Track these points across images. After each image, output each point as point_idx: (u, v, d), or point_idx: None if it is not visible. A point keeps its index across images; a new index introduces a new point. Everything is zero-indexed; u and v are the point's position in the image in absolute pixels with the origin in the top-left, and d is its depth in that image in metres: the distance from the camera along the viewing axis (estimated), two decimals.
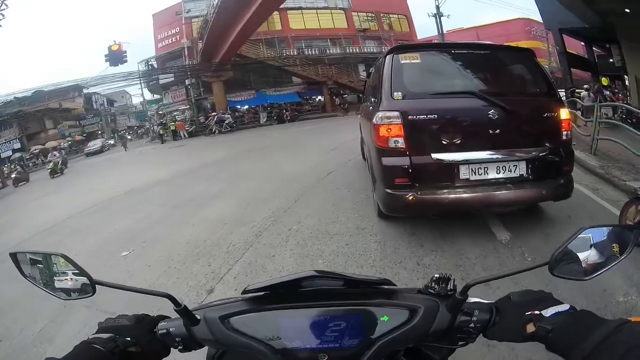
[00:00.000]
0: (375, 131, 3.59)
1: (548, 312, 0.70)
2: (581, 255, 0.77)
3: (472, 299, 0.81)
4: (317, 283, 0.86)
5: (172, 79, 34.50)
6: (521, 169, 3.49)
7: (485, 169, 3.46)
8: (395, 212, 3.88)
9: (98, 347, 0.75)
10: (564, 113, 3.63)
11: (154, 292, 0.82)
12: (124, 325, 0.84)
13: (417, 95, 3.60)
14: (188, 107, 34.18)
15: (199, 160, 12.77)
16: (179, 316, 0.83)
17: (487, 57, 3.94)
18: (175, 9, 34.09)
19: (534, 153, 3.48)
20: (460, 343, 0.83)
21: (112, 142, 35.54)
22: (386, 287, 0.89)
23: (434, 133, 3.45)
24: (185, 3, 33.78)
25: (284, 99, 33.47)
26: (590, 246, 0.77)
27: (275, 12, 32.63)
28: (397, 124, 3.42)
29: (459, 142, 3.44)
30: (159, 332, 0.85)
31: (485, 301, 0.82)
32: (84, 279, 0.82)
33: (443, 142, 3.44)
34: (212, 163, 11.67)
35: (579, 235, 0.76)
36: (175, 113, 35.71)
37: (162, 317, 0.90)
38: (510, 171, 3.48)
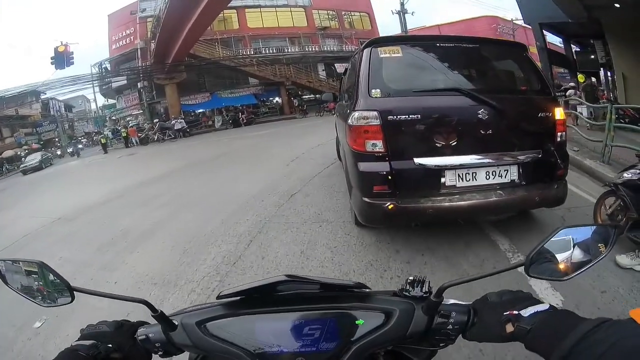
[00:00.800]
0: (350, 133, 3.31)
1: (527, 312, 0.70)
2: (559, 256, 0.76)
3: (449, 301, 0.81)
4: (292, 287, 0.86)
5: (125, 82, 32.60)
6: (512, 174, 3.27)
7: (474, 174, 3.23)
8: (374, 222, 3.65)
9: (82, 354, 0.77)
10: (559, 113, 3.39)
11: (131, 298, 0.83)
12: (105, 331, 0.85)
13: (398, 92, 3.28)
14: (141, 111, 32.40)
15: (142, 175, 11.27)
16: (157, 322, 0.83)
17: (475, 52, 3.66)
18: (131, 9, 32.34)
19: (526, 156, 3.27)
20: (440, 345, 0.82)
21: (59, 152, 32.02)
22: (361, 290, 0.88)
23: (417, 135, 3.17)
24: (141, 2, 32.09)
25: (240, 102, 32.19)
26: (569, 246, 0.76)
27: (233, 11, 32.00)
28: (375, 124, 3.11)
29: (444, 145, 3.17)
30: (139, 337, 0.85)
31: (463, 302, 0.81)
32: (63, 287, 0.84)
33: (427, 145, 3.17)
34: (155, 179, 10.18)
35: (556, 235, 0.74)
36: (129, 118, 34.07)
37: (142, 323, 0.90)
38: (501, 176, 3.26)
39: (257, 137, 17.44)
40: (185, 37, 24.97)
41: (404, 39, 3.97)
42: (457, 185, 3.20)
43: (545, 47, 18.63)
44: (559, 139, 3.37)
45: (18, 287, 0.86)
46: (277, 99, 34.50)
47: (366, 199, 3.24)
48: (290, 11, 34.70)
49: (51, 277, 0.84)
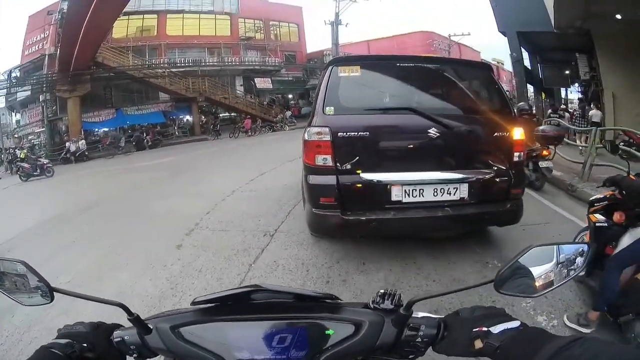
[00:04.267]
0: (305, 147, 3.47)
1: (496, 329, 0.70)
2: (530, 273, 0.76)
3: (420, 314, 0.82)
4: (266, 296, 0.87)
5: (29, 94, 28.31)
6: (462, 192, 3.36)
7: (421, 190, 3.32)
8: (321, 232, 3.94)
9: (56, 352, 0.77)
10: (518, 133, 3.49)
11: (107, 300, 0.84)
12: (81, 332, 0.84)
13: (350, 110, 3.42)
14: (43, 129, 28.41)
15: None
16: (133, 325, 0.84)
17: (437, 71, 3.76)
18: (52, 8, 27.66)
19: (477, 175, 3.39)
20: (410, 357, 0.83)
21: None
22: (332, 301, 0.90)
23: (365, 151, 3.31)
24: (63, 1, 26.45)
25: (147, 119, 28.47)
26: (541, 263, 0.76)
27: (154, 16, 29.42)
28: (326, 140, 3.26)
29: (392, 161, 3.40)
30: (115, 339, 0.85)
31: (434, 316, 0.83)
32: (43, 286, 0.85)
33: (374, 160, 3.34)
34: None
35: (528, 253, 0.75)
36: (31, 137, 29.70)
37: (117, 326, 0.90)
38: (450, 194, 3.35)
39: (154, 169, 13.91)
40: (84, 39, 21.14)
41: (366, 59, 4.10)
42: (403, 201, 3.30)
43: (522, 59, 17.25)
44: (515, 159, 3.45)
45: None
46: (187, 117, 30.80)
47: (314, 210, 3.38)
48: (215, 18, 31.76)
49: (32, 276, 0.84)
